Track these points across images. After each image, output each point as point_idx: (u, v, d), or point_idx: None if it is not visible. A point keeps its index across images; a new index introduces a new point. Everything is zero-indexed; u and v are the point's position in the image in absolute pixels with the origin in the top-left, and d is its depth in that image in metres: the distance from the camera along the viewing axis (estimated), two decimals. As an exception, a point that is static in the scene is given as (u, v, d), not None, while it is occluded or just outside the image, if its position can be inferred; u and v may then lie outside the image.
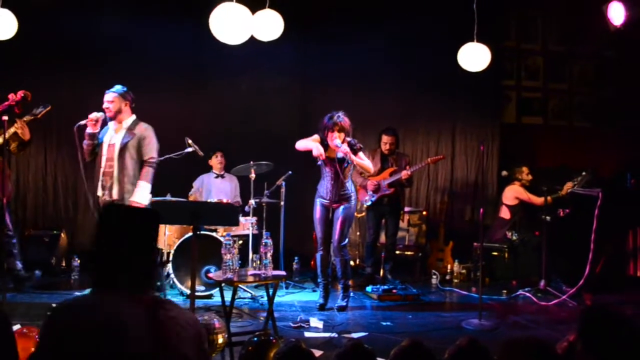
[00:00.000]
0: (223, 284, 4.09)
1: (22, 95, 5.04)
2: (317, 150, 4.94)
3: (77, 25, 6.65)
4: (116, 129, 4.96)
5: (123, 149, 4.84)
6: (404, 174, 6.04)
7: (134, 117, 5.03)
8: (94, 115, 4.83)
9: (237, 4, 4.32)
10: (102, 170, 4.89)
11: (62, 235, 6.51)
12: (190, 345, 1.79)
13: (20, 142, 5.18)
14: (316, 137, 5.11)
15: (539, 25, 8.10)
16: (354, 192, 5.19)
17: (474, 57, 5.51)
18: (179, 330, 1.78)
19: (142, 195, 4.78)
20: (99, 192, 4.91)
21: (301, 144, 5.10)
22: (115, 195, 4.81)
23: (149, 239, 1.91)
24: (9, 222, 5.28)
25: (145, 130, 4.99)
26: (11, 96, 4.95)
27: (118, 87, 5.00)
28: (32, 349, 2.84)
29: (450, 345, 2.40)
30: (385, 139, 6.25)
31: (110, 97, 4.95)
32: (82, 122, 4.82)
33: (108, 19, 6.69)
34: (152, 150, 4.94)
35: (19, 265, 5.44)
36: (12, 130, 5.03)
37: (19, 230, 5.95)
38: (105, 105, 4.93)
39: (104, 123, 4.98)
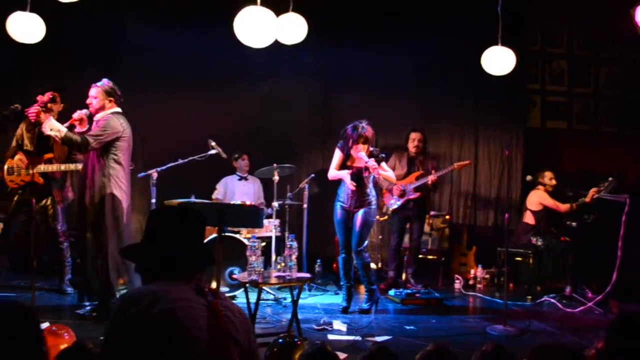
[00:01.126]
0: (247, 286, 4.10)
1: (50, 96, 5.10)
2: (351, 185, 4.98)
3: (102, 30, 6.76)
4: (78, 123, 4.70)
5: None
6: (431, 178, 6.02)
7: (110, 110, 4.72)
8: (77, 114, 4.66)
9: (262, 7, 4.33)
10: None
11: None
12: (243, 333, 1.93)
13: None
14: (339, 155, 5.14)
15: (564, 28, 8.01)
16: (374, 197, 5.18)
17: (499, 60, 5.44)
18: (233, 318, 1.92)
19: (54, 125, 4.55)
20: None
21: (332, 175, 5.17)
22: (88, 194, 4.62)
23: (198, 235, 2.09)
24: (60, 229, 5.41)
25: (108, 116, 4.67)
26: (39, 98, 4.96)
27: (104, 82, 4.76)
28: (62, 346, 2.88)
29: (475, 351, 2.38)
30: (413, 135, 6.23)
31: (94, 91, 4.70)
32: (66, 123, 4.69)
33: (133, 23, 6.78)
34: (98, 129, 4.58)
35: (68, 270, 5.54)
36: (74, 167, 5.16)
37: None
38: (88, 101, 4.71)
39: (90, 119, 4.75)
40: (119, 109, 4.79)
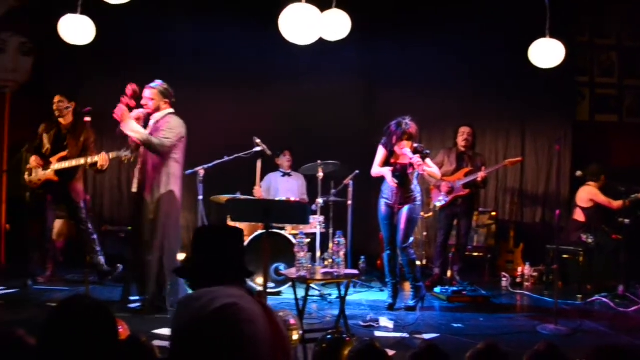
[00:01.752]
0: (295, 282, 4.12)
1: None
2: (392, 182, 4.97)
3: (150, 30, 6.91)
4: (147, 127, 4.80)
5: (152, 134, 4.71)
6: (481, 175, 5.93)
7: (167, 111, 4.84)
8: (135, 113, 4.74)
9: (307, 4, 4.34)
10: (137, 167, 4.82)
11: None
12: (286, 334, 2.12)
13: (97, 170, 5.31)
14: (382, 152, 5.13)
15: (613, 19, 7.77)
16: (419, 193, 5.13)
17: (547, 53, 5.32)
18: (278, 319, 2.11)
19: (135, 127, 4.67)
20: (134, 189, 4.80)
21: (375, 172, 5.16)
22: (148, 192, 4.67)
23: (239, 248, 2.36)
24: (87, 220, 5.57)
25: (169, 118, 4.79)
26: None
27: (158, 83, 4.86)
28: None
29: (526, 350, 2.33)
30: (463, 129, 6.15)
31: (150, 93, 4.79)
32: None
33: (179, 23, 6.93)
34: (168, 131, 4.68)
35: (102, 260, 5.71)
36: (95, 158, 5.17)
37: (98, 227, 6.22)
38: (143, 102, 4.80)
39: (146, 120, 4.85)
40: (172, 110, 4.88)
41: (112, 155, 5.19)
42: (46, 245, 5.65)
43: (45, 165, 5.43)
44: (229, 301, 1.96)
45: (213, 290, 2.04)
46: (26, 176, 5.53)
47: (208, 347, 1.91)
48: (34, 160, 5.46)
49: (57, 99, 5.55)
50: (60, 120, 5.49)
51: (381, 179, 5.20)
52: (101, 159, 5.13)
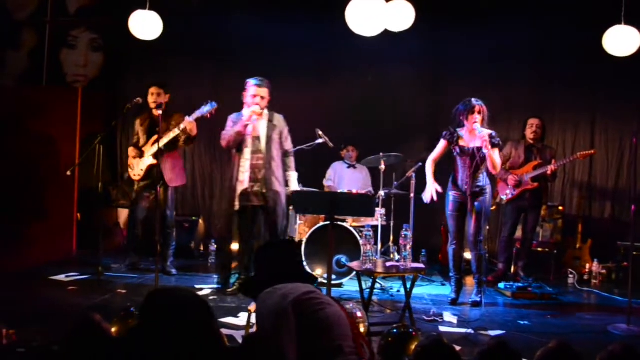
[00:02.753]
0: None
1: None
2: (428, 198, 5.06)
3: (213, 24, 7.04)
4: (257, 120, 4.97)
5: (269, 141, 4.98)
6: (551, 168, 5.74)
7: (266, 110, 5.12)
8: (257, 109, 4.91)
9: (374, -4, 4.31)
10: (248, 162, 4.95)
11: (200, 221, 6.93)
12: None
13: (188, 137, 5.56)
14: (442, 144, 5.09)
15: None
16: (489, 184, 5.03)
17: (622, 41, 5.13)
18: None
19: (296, 184, 5.19)
20: (246, 184, 4.95)
21: (428, 166, 5.17)
22: (271, 186, 4.94)
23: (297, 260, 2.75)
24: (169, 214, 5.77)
25: (283, 121, 5.14)
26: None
27: (263, 80, 5.02)
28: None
29: (599, 351, 2.26)
30: (532, 121, 5.96)
31: (266, 91, 4.99)
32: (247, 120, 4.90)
33: (242, 16, 7.01)
34: (290, 140, 5.17)
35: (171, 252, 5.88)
36: (181, 126, 5.40)
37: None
38: (258, 100, 4.93)
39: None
40: None
41: (195, 116, 5.36)
42: (135, 232, 5.84)
43: (141, 154, 5.66)
44: (307, 289, 2.24)
45: (288, 285, 2.29)
46: (130, 172, 5.78)
47: (296, 328, 2.11)
48: (131, 151, 5.74)
49: (153, 90, 5.66)
50: (154, 111, 5.62)
51: (449, 171, 5.12)
52: (186, 123, 5.36)
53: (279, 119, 5.11)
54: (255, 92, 4.91)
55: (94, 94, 7.25)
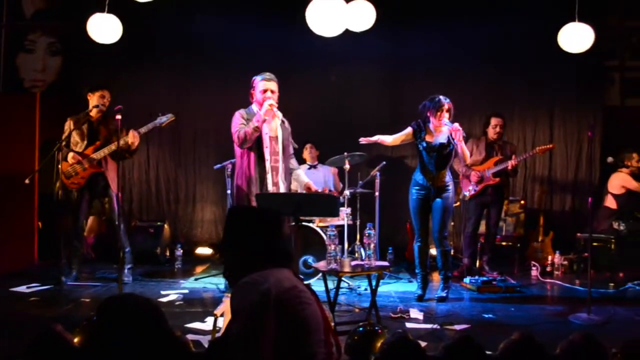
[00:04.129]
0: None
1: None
2: (365, 140, 4.98)
3: (176, 26, 6.98)
4: (271, 120, 4.60)
5: (285, 143, 4.69)
6: (511, 163, 5.85)
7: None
8: (273, 102, 4.55)
9: (333, -4, 4.33)
10: (269, 164, 4.56)
11: (165, 226, 6.85)
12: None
13: (130, 152, 5.41)
14: (407, 130, 5.09)
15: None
16: (452, 181, 5.09)
17: (576, 37, 5.24)
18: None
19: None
20: (270, 187, 4.53)
21: (386, 137, 5.12)
22: (282, 189, 4.60)
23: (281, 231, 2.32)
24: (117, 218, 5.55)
25: (287, 122, 4.82)
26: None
27: (271, 74, 4.70)
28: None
29: (560, 340, 2.31)
30: (494, 121, 6.07)
31: (274, 85, 4.63)
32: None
33: (203, 17, 6.96)
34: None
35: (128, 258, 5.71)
36: (125, 139, 5.24)
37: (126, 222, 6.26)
38: (269, 94, 4.58)
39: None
40: None
41: (142, 130, 5.29)
42: (76, 243, 5.60)
43: (84, 159, 5.37)
44: (290, 283, 2.06)
45: (269, 276, 2.06)
46: (64, 178, 5.37)
47: (274, 326, 1.97)
48: (72, 157, 5.37)
49: (104, 93, 5.50)
50: (91, 113, 5.44)
51: (411, 168, 5.17)
52: (130, 136, 5.23)
53: (285, 121, 4.81)
54: (264, 86, 4.59)
55: (53, 98, 7.09)
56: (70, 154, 5.38)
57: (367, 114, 7.06)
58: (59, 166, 5.20)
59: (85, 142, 5.44)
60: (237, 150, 4.62)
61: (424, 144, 4.98)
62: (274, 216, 2.28)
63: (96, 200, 5.63)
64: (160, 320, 1.89)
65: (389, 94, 7.34)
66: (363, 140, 5.11)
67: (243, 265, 2.14)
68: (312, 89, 7.18)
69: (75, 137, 5.46)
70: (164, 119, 5.32)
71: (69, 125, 5.50)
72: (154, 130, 5.94)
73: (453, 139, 4.80)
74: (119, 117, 4.63)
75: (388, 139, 5.13)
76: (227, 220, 2.26)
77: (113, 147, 5.29)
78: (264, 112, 4.45)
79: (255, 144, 4.52)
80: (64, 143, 5.36)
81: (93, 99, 5.46)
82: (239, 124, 4.57)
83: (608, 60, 7.52)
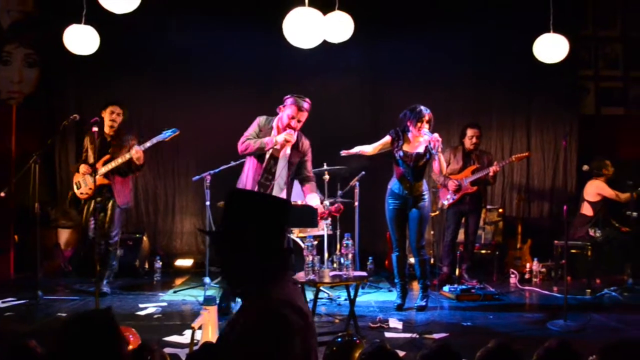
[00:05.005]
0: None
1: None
2: (345, 152, 5.01)
3: (154, 38, 6.97)
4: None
5: (286, 167, 4.62)
6: (493, 169, 5.92)
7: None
8: (291, 138, 4.50)
9: (310, 8, 4.36)
10: (258, 179, 4.59)
11: (145, 238, 6.80)
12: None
13: (135, 167, 5.51)
14: (386, 138, 5.11)
15: (617, 11, 7.73)
16: (427, 190, 5.12)
17: (551, 48, 5.33)
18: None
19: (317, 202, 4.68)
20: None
21: (365, 147, 5.11)
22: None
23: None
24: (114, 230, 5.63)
25: (308, 145, 4.76)
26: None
27: (306, 101, 4.60)
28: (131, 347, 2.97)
29: (537, 347, 2.33)
30: (470, 132, 6.15)
31: (304, 116, 4.57)
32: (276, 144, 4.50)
33: (184, 29, 6.95)
34: (311, 164, 4.80)
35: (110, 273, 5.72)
36: (127, 156, 5.36)
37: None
38: (294, 124, 4.52)
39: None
40: None
41: (147, 144, 5.37)
42: (99, 249, 5.57)
43: (94, 172, 5.38)
44: (308, 309, 1.82)
45: (291, 291, 1.79)
46: (75, 190, 5.60)
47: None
48: (83, 168, 5.54)
49: (112, 109, 5.57)
50: (106, 130, 5.56)
51: (388, 177, 5.18)
52: (133, 152, 5.32)
53: (305, 144, 4.73)
54: (294, 114, 4.50)
55: (30, 111, 7.02)
56: (82, 166, 5.57)
57: (347, 125, 7.08)
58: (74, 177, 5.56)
59: (96, 155, 5.51)
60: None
61: (401, 153, 5.00)
62: (285, 203, 1.96)
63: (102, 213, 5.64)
64: (109, 337, 1.82)
65: (368, 104, 7.38)
66: (344, 153, 5.13)
67: (254, 270, 1.82)
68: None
69: (90, 151, 5.60)
70: (169, 133, 5.38)
71: (86, 141, 5.67)
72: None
73: (432, 149, 4.83)
74: (95, 129, 4.62)
75: (368, 149, 5.15)
76: (231, 207, 1.85)
77: (120, 160, 5.43)
78: (278, 142, 4.46)
79: (257, 157, 4.59)
80: (83, 157, 5.68)
81: (105, 116, 5.57)
82: (251, 132, 4.60)
83: (583, 70, 7.65)
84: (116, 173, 5.53)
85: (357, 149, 5.12)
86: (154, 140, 5.38)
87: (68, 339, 1.78)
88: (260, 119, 4.69)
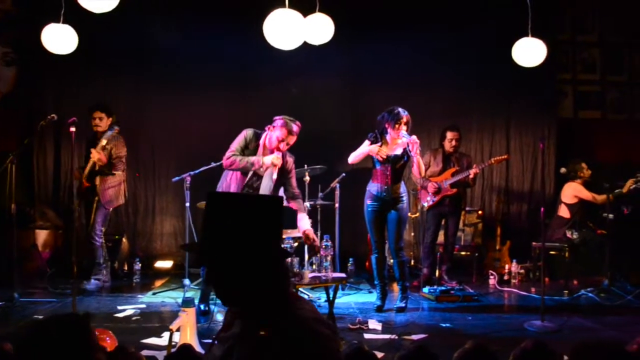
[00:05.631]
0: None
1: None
2: (379, 152, 4.92)
3: (134, 38, 6.91)
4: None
5: (271, 186, 4.55)
6: (473, 172, 5.96)
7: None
8: (278, 161, 4.50)
9: (290, 10, 4.36)
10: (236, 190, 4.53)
11: (124, 240, 6.74)
12: None
13: (102, 169, 5.82)
14: (366, 144, 5.10)
15: (594, 16, 7.85)
16: (406, 192, 5.14)
17: (529, 52, 5.39)
18: None
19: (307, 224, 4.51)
20: None
21: (355, 156, 5.07)
22: None
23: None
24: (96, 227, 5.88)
25: (293, 163, 4.74)
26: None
27: (296, 124, 4.60)
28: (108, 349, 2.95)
29: (514, 348, 2.36)
30: (450, 135, 6.20)
31: (294, 139, 4.56)
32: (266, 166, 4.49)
33: (163, 30, 6.89)
34: (295, 182, 4.75)
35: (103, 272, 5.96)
36: (90, 162, 5.75)
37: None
38: (283, 146, 4.53)
39: None
40: None
41: (103, 142, 5.72)
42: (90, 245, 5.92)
43: (81, 174, 5.96)
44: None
45: (308, 307, 1.65)
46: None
47: None
48: (75, 171, 6.17)
49: (95, 114, 5.89)
50: (98, 135, 5.89)
51: (368, 179, 5.19)
52: (92, 156, 5.71)
53: (289, 162, 4.71)
54: (284, 137, 4.48)
55: (7, 110, 6.92)
56: (75, 172, 6.11)
57: (328, 126, 7.09)
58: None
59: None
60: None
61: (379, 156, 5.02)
62: (280, 200, 1.72)
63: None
64: (80, 339, 1.78)
65: (349, 105, 7.40)
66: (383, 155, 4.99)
67: (254, 282, 1.60)
68: (273, 102, 7.18)
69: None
70: (110, 132, 5.83)
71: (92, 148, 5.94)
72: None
73: (410, 151, 4.86)
74: (72, 129, 4.58)
75: (352, 159, 5.14)
76: (217, 211, 1.62)
77: (88, 167, 5.82)
78: (265, 164, 4.44)
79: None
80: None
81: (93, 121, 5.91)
82: (236, 146, 4.55)
83: (561, 73, 7.75)
84: (99, 174, 5.83)
85: (365, 148, 5.05)
86: (103, 141, 5.74)
87: (33, 344, 1.73)
88: (248, 133, 4.63)
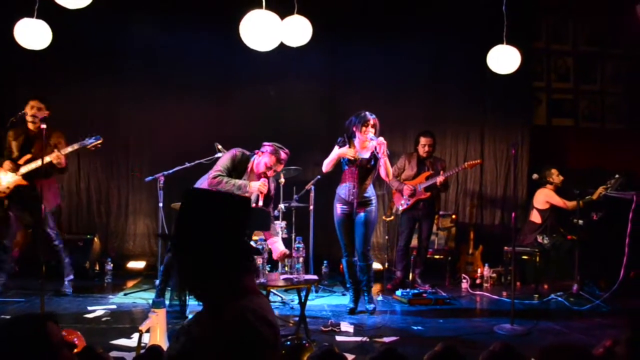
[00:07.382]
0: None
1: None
2: (347, 152, 4.94)
3: (109, 35, 6.84)
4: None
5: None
6: (439, 180, 6.03)
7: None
8: (265, 189, 4.50)
9: (267, 11, 4.35)
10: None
11: (95, 239, 6.65)
12: None
13: (57, 170, 5.36)
14: (335, 148, 5.11)
15: (569, 25, 7.99)
16: (375, 196, 5.14)
17: (504, 59, 5.45)
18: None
19: (281, 247, 4.50)
20: None
21: (327, 162, 5.10)
22: None
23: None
24: (50, 232, 5.47)
25: (274, 186, 4.76)
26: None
27: (285, 152, 4.65)
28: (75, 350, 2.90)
29: (483, 350, 2.38)
30: (423, 140, 6.24)
31: (281, 167, 4.66)
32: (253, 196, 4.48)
33: (139, 28, 6.85)
34: (272, 203, 4.75)
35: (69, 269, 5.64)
36: (48, 158, 5.11)
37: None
38: (270, 173, 4.56)
39: None
40: None
41: (68, 150, 5.22)
42: (3, 256, 5.46)
43: (15, 169, 5.29)
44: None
45: (259, 300, 1.71)
46: None
47: None
48: (7, 164, 5.31)
49: (33, 103, 5.39)
50: (30, 125, 5.37)
51: (337, 183, 5.20)
52: (54, 157, 5.15)
53: (272, 186, 4.71)
54: (271, 164, 4.54)
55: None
56: (7, 162, 5.33)
57: (304, 128, 7.10)
58: None
59: (18, 153, 5.38)
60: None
61: (347, 159, 5.04)
62: (247, 201, 1.87)
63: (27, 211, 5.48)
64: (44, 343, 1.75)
65: (327, 108, 7.41)
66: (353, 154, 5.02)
67: (214, 272, 1.70)
68: (250, 103, 7.17)
69: (13, 147, 5.40)
70: (92, 141, 5.26)
71: (10, 136, 5.45)
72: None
73: (377, 153, 4.88)
74: (44, 126, 4.49)
75: (325, 168, 5.15)
76: (190, 206, 1.77)
77: (40, 162, 5.13)
78: (252, 190, 4.44)
79: None
80: (6, 153, 5.37)
81: (27, 111, 5.38)
82: (224, 166, 4.55)
83: (535, 81, 7.88)
84: (41, 175, 5.24)
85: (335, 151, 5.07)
86: (75, 146, 5.25)
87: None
88: (237, 155, 4.66)
